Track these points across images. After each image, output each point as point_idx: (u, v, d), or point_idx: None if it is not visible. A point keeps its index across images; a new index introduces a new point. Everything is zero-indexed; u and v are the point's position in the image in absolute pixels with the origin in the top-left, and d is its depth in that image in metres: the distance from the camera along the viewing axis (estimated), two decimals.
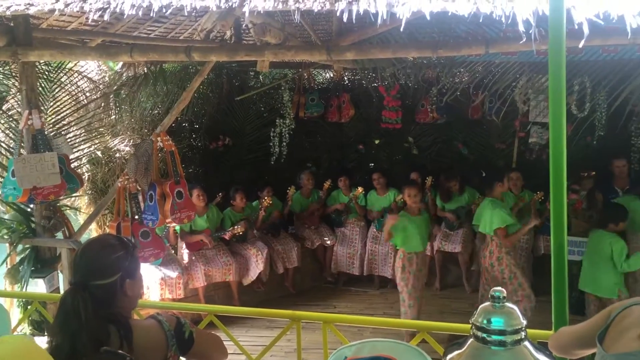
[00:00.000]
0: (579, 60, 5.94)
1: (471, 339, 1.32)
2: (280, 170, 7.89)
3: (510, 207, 5.84)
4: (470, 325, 1.34)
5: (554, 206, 2.25)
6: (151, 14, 3.30)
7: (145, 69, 7.03)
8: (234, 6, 3.46)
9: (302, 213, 7.29)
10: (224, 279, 6.29)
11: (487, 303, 1.34)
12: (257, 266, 6.39)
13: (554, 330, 2.22)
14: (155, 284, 5.80)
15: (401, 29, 3.30)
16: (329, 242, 7.24)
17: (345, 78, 8.33)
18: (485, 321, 1.29)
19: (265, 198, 6.65)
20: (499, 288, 1.33)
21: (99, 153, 6.90)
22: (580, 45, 3.11)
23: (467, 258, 6.79)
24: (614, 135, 6.60)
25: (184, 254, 6.28)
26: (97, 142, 7.05)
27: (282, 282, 7.01)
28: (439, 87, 6.42)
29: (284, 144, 7.77)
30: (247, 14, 3.40)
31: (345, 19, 3.50)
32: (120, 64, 7.27)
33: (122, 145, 6.99)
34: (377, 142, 7.94)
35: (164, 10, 3.30)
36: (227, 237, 6.41)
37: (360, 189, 6.99)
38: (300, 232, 7.27)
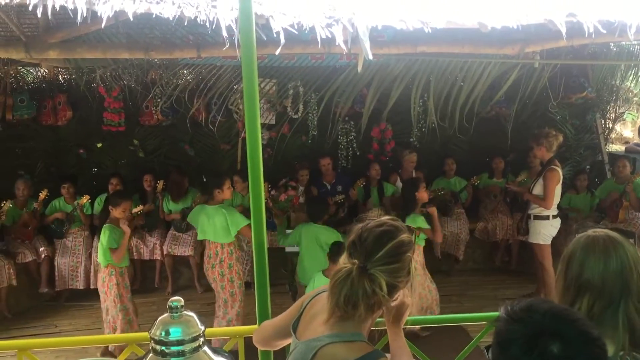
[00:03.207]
0: (292, 66, 6.40)
1: (150, 354, 1.28)
2: None
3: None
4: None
5: (254, 208, 2.33)
6: None
7: None
8: None
9: (14, 225, 6.51)
10: None
11: (165, 314, 1.32)
12: None
13: (258, 324, 2.32)
14: None
15: (102, 26, 3.15)
16: (44, 255, 6.59)
17: (61, 77, 7.67)
18: (163, 333, 1.27)
19: None
20: (177, 298, 1.32)
21: None
22: (277, 53, 3.32)
23: (198, 259, 6.80)
24: (326, 134, 7.21)
25: None
26: None
27: None
28: (155, 88, 6.31)
29: None
30: None
31: (39, 14, 3.23)
32: None
33: None
34: (99, 145, 7.47)
35: None
36: None
37: (85, 198, 6.53)
38: (11, 247, 6.47)
